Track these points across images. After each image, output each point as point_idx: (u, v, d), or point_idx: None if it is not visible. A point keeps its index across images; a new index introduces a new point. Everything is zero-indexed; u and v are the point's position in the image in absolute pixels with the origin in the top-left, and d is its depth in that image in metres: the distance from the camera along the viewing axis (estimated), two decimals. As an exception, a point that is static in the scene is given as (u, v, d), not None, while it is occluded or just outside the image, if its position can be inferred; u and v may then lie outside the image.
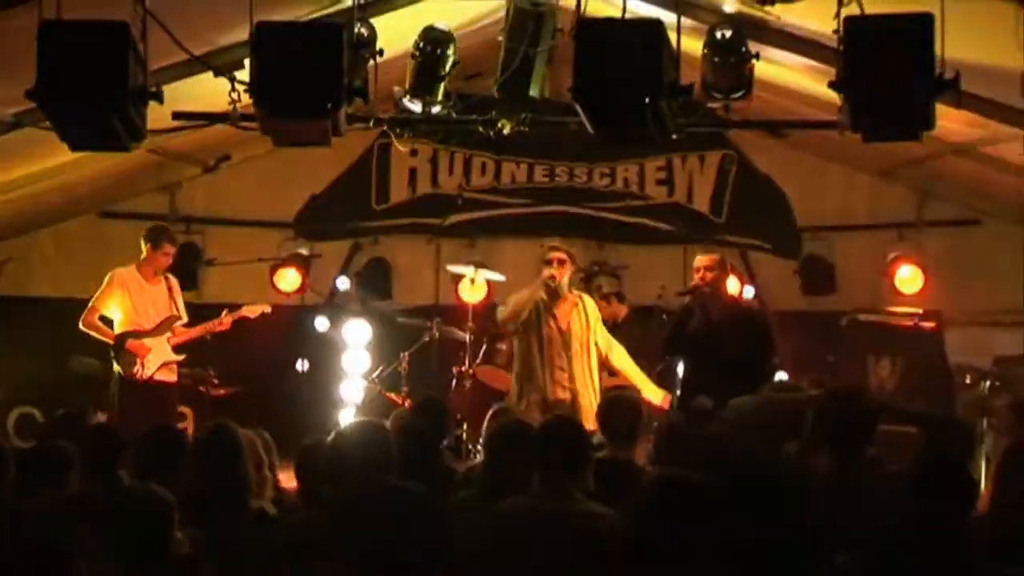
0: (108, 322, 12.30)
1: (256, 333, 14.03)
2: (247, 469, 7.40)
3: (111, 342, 12.29)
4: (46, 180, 12.96)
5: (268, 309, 13.24)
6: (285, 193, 15.59)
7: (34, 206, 14.10)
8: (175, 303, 12.63)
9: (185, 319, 12.69)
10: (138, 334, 12.29)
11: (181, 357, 12.60)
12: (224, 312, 12.90)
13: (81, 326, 12.31)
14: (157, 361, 12.35)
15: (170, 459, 7.44)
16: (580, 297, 11.97)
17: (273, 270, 14.81)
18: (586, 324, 11.76)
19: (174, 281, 12.75)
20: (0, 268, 13.60)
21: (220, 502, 7.06)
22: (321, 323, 14.83)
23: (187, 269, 14.96)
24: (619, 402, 8.87)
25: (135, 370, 12.19)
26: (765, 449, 7.73)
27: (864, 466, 7.34)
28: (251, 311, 13.05)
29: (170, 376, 12.55)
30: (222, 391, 13.64)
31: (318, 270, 15.21)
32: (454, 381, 13.58)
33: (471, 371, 13.50)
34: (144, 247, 12.47)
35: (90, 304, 12.34)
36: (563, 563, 6.18)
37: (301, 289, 14.91)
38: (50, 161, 12.00)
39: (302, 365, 14.79)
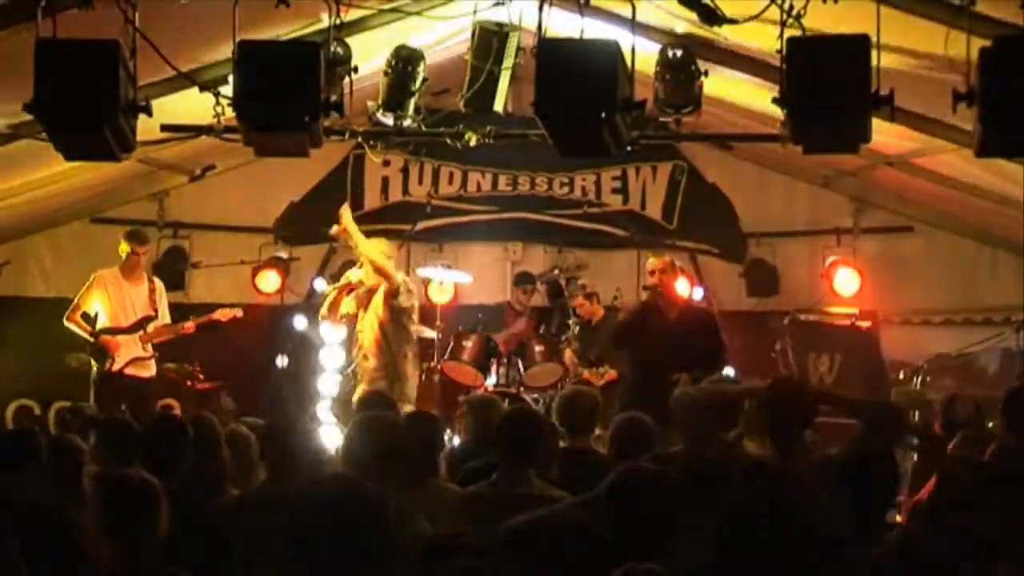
0: (91, 319, 12.45)
1: (239, 331, 14.08)
2: (224, 457, 7.38)
3: (89, 338, 12.48)
4: (42, 188, 12.93)
5: (240, 313, 13.44)
6: (266, 200, 15.57)
7: (31, 212, 14.05)
8: (154, 304, 12.84)
9: (164, 320, 12.95)
10: (113, 331, 12.57)
11: (151, 354, 12.83)
12: (190, 317, 13.19)
13: (65, 322, 12.63)
14: (127, 356, 12.61)
15: (175, 448, 7.42)
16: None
17: (254, 272, 14.81)
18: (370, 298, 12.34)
19: (158, 283, 13.05)
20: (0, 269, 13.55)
21: (200, 487, 7.04)
22: (299, 322, 14.81)
23: (174, 271, 15.02)
24: (577, 396, 8.94)
25: (107, 364, 12.41)
26: (704, 436, 7.74)
27: (800, 453, 7.38)
28: (223, 315, 13.29)
29: (143, 371, 12.81)
30: (207, 385, 13.66)
31: (296, 272, 15.20)
32: (423, 375, 13.57)
33: (439, 366, 13.53)
34: (121, 248, 12.79)
35: (74, 302, 12.69)
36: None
37: (280, 290, 14.91)
38: (46, 170, 11.97)
39: (282, 361, 14.77)
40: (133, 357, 12.67)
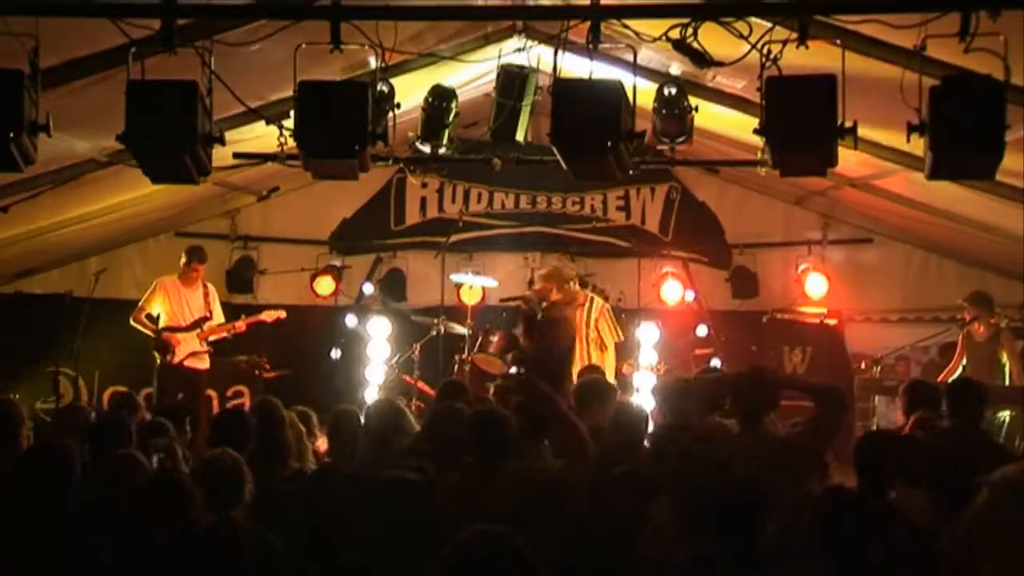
0: (154, 319, 12.75)
1: (299, 328, 14.19)
2: (287, 435, 7.37)
3: (152, 335, 12.71)
4: (133, 207, 12.94)
5: (283, 315, 13.58)
6: (322, 217, 15.57)
7: (124, 227, 14.08)
8: (209, 306, 13.01)
9: (219, 320, 13.13)
10: (173, 329, 12.76)
11: (207, 349, 12.98)
12: (241, 317, 13.38)
13: (132, 322, 12.87)
14: (186, 351, 12.78)
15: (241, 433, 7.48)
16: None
17: (313, 278, 14.87)
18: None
19: (212, 288, 13.29)
20: (97, 276, 13.53)
21: (265, 462, 7.04)
22: (350, 320, 14.81)
23: (244, 277, 15.05)
24: (584, 381, 8.98)
25: (168, 357, 12.59)
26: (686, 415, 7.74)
27: (764, 430, 7.34)
28: (268, 316, 13.50)
29: (199, 363, 12.93)
30: (272, 374, 13.70)
31: (348, 278, 15.21)
32: (456, 366, 13.56)
33: (469, 358, 13.49)
34: (182, 261, 12.97)
35: (139, 305, 12.91)
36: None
37: (335, 293, 14.93)
38: (136, 191, 11.98)
39: (336, 353, 14.77)
40: (191, 351, 12.82)
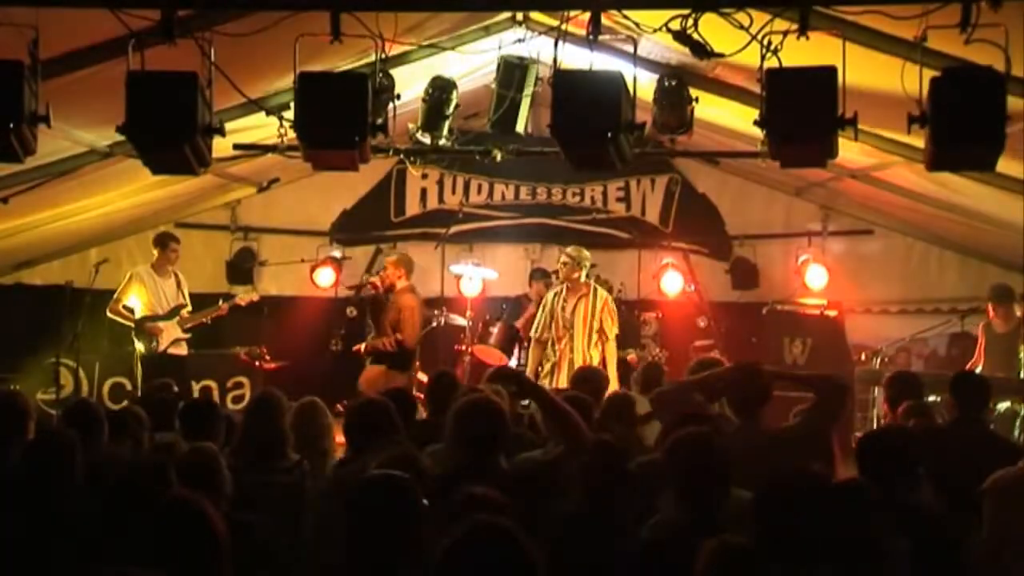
0: (131, 310, 12.78)
1: (299, 319, 14.20)
2: (285, 427, 7.35)
3: (132, 325, 12.79)
4: (133, 197, 12.94)
5: (256, 297, 13.73)
6: (322, 208, 15.58)
7: (124, 218, 14.08)
8: (182, 293, 13.06)
9: (189, 307, 13.12)
10: (153, 318, 12.80)
11: (187, 335, 13.01)
12: (220, 301, 13.49)
13: (108, 313, 12.92)
14: (169, 338, 12.85)
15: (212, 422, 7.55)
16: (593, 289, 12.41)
17: (313, 269, 14.84)
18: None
19: (182, 276, 13.26)
20: (97, 267, 13.52)
21: (263, 453, 7.05)
22: (350, 311, 14.82)
23: (244, 268, 15.06)
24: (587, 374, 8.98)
25: (153, 346, 12.68)
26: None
27: (759, 422, 7.31)
28: (242, 300, 13.56)
29: (180, 350, 13.01)
30: (272, 365, 13.71)
31: (348, 269, 15.19)
32: (456, 357, 13.57)
33: (469, 349, 13.51)
34: (154, 250, 13.06)
35: (115, 296, 12.92)
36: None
37: (335, 284, 14.91)
38: (136, 183, 11.97)
39: (335, 344, 14.78)
40: (174, 339, 12.88)
